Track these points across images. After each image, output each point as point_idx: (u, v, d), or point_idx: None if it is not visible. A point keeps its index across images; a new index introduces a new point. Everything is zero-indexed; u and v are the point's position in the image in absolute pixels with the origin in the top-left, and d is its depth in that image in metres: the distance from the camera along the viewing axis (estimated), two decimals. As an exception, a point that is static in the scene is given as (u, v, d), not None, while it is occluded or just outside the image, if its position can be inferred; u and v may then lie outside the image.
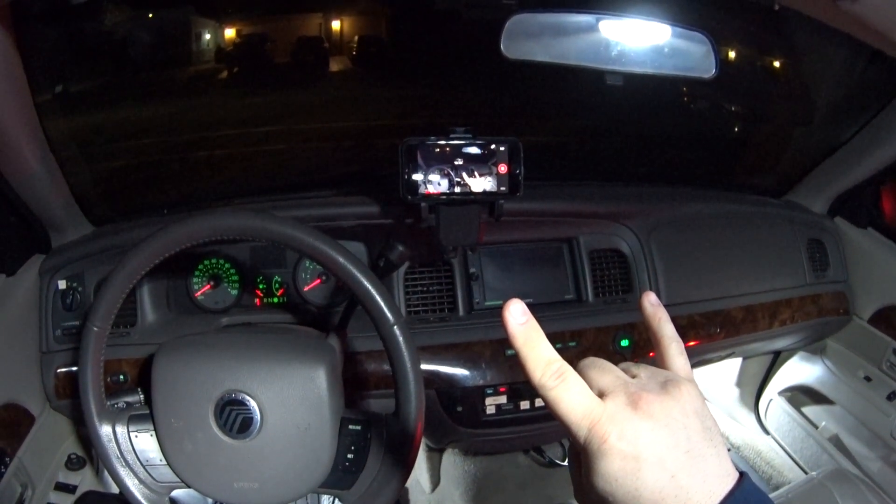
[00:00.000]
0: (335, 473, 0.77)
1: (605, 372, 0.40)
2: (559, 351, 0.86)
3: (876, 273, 1.37)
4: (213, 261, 1.07)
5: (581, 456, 0.38)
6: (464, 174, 0.86)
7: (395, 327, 0.72)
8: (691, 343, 1.17)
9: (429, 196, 0.86)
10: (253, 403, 0.73)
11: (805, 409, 1.58)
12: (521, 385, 1.06)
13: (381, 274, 0.97)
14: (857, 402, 1.40)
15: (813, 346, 1.50)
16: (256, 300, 1.10)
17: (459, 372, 1.05)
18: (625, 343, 1.10)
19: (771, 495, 1.12)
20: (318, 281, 1.11)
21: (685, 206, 1.28)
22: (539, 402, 1.08)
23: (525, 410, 1.08)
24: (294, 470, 0.75)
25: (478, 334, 1.07)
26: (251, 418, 0.73)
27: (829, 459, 1.47)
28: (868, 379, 1.37)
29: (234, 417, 0.73)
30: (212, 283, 1.07)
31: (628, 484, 0.35)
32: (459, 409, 1.06)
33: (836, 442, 1.48)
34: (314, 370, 0.75)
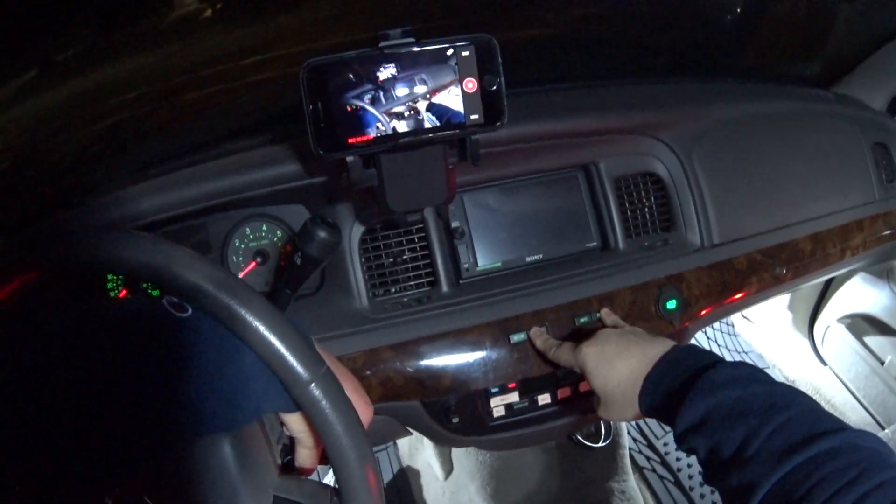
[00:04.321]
0: None
1: None
2: (586, 325, 0.78)
3: None
4: None
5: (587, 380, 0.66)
6: (405, 99, 0.51)
7: (313, 386, 0.42)
8: (752, 291, 0.88)
9: (356, 145, 0.52)
10: None
11: (868, 340, 1.34)
12: (536, 378, 0.77)
13: (300, 277, 0.65)
14: None
15: (876, 267, 1.24)
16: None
17: (451, 372, 0.75)
18: (672, 305, 0.80)
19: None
20: (254, 264, 0.78)
21: (727, 107, 0.94)
22: (563, 393, 0.80)
23: (546, 406, 0.80)
24: None
25: (471, 316, 0.76)
26: None
27: (896, 403, 1.24)
28: None
29: None
30: (127, 287, 0.75)
31: (605, 368, 0.62)
32: (456, 420, 0.77)
33: (906, 382, 1.25)
34: (211, 445, 0.45)
